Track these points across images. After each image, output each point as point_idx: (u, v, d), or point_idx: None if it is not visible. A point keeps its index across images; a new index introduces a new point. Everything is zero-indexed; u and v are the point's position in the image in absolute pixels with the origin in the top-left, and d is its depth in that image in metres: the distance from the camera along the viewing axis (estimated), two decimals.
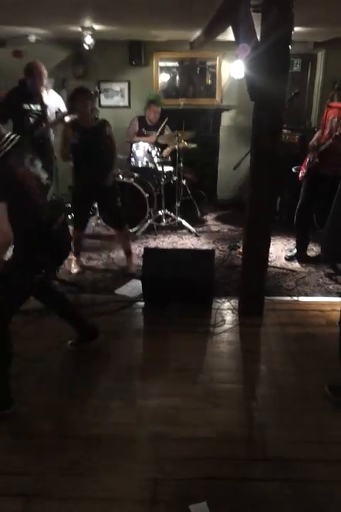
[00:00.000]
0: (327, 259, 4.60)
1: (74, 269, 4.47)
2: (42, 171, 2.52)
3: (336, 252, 4.41)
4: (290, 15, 2.99)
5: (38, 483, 2.16)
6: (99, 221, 5.75)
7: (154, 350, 3.27)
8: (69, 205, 6.18)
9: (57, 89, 5.85)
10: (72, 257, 4.43)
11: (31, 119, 4.80)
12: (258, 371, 3.08)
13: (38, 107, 4.81)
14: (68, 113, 4.53)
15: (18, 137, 2.35)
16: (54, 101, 4.94)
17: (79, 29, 5.03)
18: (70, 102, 4.22)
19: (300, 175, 4.55)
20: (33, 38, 5.77)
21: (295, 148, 5.59)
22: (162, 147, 5.88)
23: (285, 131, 5.71)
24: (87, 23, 4.79)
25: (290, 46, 3.09)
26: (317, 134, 4.44)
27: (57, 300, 3.07)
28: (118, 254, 4.88)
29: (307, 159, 4.43)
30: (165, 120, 5.84)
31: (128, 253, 4.54)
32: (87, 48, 5.33)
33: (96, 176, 4.08)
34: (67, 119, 4.75)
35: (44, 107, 4.82)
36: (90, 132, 4.08)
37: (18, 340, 3.26)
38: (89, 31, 5.06)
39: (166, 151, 5.88)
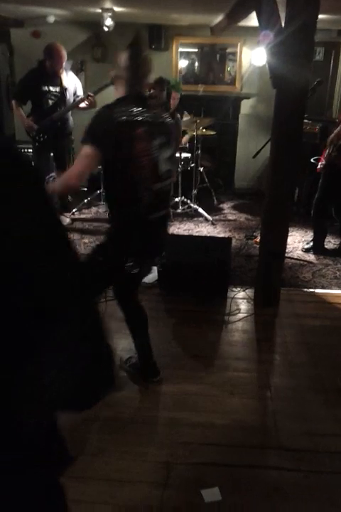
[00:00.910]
0: None
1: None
2: (169, 163, 2.33)
3: None
4: (315, 0, 2.92)
5: None
6: None
7: (168, 337, 3.27)
8: (86, 189, 6.27)
9: (76, 71, 5.83)
10: None
11: (50, 101, 4.79)
12: (272, 361, 3.06)
13: (57, 89, 4.79)
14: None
15: (159, 120, 2.29)
16: (72, 83, 4.92)
17: (99, 10, 4.99)
18: None
19: (319, 166, 4.48)
20: (51, 19, 5.72)
21: (315, 138, 5.51)
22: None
23: (306, 120, 5.62)
24: (107, 4, 4.74)
25: (314, 32, 3.03)
26: (337, 130, 4.35)
27: (137, 314, 2.76)
28: None
29: (327, 151, 4.36)
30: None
31: None
32: (106, 29, 5.29)
33: None
34: (83, 104, 4.75)
35: (63, 89, 4.80)
36: None
37: None
38: (109, 13, 5.02)
39: (184, 139, 5.84)
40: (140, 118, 2.18)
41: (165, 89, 4.19)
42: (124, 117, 2.11)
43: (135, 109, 2.17)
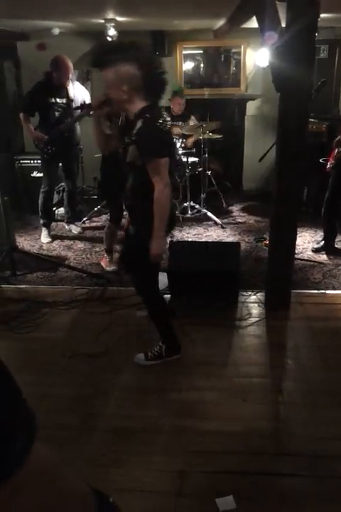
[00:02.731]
0: None
1: (110, 267, 4.41)
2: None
3: None
4: (316, 2, 2.92)
5: None
6: (124, 213, 5.77)
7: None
8: (95, 197, 6.32)
9: (82, 81, 5.89)
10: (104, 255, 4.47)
11: (57, 113, 4.84)
12: (284, 365, 3.05)
13: (64, 101, 4.84)
14: None
15: None
16: (79, 93, 4.97)
17: (102, 21, 5.04)
18: None
19: (328, 166, 4.46)
20: (56, 31, 5.80)
21: (322, 137, 5.47)
22: (186, 137, 5.86)
23: (312, 119, 5.60)
24: (110, 15, 4.79)
25: (316, 34, 3.02)
26: None
27: (162, 298, 3.06)
28: None
29: (336, 150, 4.34)
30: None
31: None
32: (109, 40, 5.34)
33: None
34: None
35: (70, 100, 4.85)
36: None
37: (45, 332, 3.35)
38: (111, 23, 5.07)
39: (190, 142, 5.85)
40: (170, 124, 2.49)
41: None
42: (168, 126, 2.44)
43: (167, 117, 2.45)
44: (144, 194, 2.42)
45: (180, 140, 5.71)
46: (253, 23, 4.03)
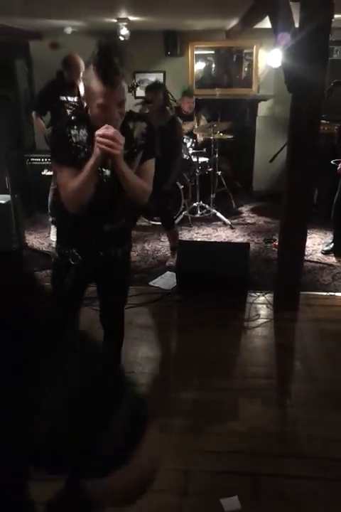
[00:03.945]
0: None
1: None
2: None
3: None
4: (330, 3, 2.90)
5: None
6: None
7: (188, 343, 3.28)
8: None
9: None
10: None
11: (68, 111, 4.86)
12: (292, 367, 3.04)
13: (75, 99, 4.86)
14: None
15: None
16: None
17: (115, 20, 5.05)
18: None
19: (339, 167, 4.43)
20: (69, 30, 5.83)
21: (333, 138, 5.43)
22: (195, 137, 5.87)
23: (323, 121, 5.55)
24: (123, 14, 4.80)
25: (329, 35, 3.01)
26: None
27: None
28: (153, 246, 4.91)
29: None
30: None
31: (173, 250, 4.53)
32: (122, 39, 5.34)
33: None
34: None
35: (81, 98, 4.87)
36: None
37: None
38: (124, 22, 5.07)
39: (199, 135, 5.86)
40: None
41: (160, 92, 4.17)
42: None
43: None
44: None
45: (191, 140, 5.71)
46: (265, 23, 4.02)
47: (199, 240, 5.11)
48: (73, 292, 2.20)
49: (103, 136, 1.82)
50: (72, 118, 2.12)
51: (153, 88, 4.17)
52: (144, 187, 2.07)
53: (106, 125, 1.83)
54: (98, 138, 1.83)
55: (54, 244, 5.10)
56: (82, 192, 1.92)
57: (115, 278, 2.27)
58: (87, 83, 1.88)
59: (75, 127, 1.98)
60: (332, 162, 4.95)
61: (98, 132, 1.83)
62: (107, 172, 1.99)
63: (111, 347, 2.44)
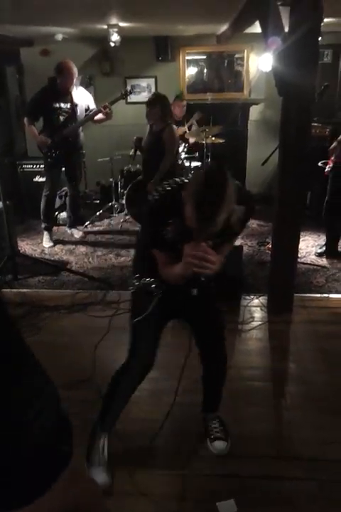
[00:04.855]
0: None
1: None
2: None
3: None
4: (319, 7, 2.92)
5: None
6: (127, 217, 5.79)
7: (181, 347, 3.25)
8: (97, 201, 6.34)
9: (85, 86, 5.90)
10: None
11: (61, 118, 4.86)
12: (287, 369, 3.04)
13: (68, 106, 4.85)
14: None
15: None
16: (83, 98, 4.98)
17: (105, 27, 5.06)
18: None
19: (327, 169, 4.45)
20: (60, 37, 5.84)
21: (325, 141, 5.47)
22: (188, 141, 5.89)
23: (315, 124, 5.60)
24: (113, 20, 4.81)
25: (319, 39, 3.03)
26: None
27: None
28: None
29: (333, 154, 4.34)
30: (195, 116, 5.88)
31: None
32: (112, 45, 5.36)
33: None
34: (99, 116, 4.85)
35: (74, 105, 4.87)
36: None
37: (47, 336, 3.34)
38: (115, 29, 5.09)
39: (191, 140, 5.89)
40: None
41: (157, 105, 4.41)
42: None
43: None
44: None
45: (182, 144, 5.72)
46: (256, 28, 4.05)
47: None
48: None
49: (193, 256, 1.63)
50: (163, 209, 1.85)
51: (149, 104, 4.52)
52: (222, 262, 1.95)
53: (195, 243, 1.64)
54: (187, 258, 1.66)
55: (47, 251, 5.11)
56: (176, 281, 1.87)
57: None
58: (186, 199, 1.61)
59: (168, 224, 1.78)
60: (319, 164, 4.97)
61: (187, 249, 1.66)
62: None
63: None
